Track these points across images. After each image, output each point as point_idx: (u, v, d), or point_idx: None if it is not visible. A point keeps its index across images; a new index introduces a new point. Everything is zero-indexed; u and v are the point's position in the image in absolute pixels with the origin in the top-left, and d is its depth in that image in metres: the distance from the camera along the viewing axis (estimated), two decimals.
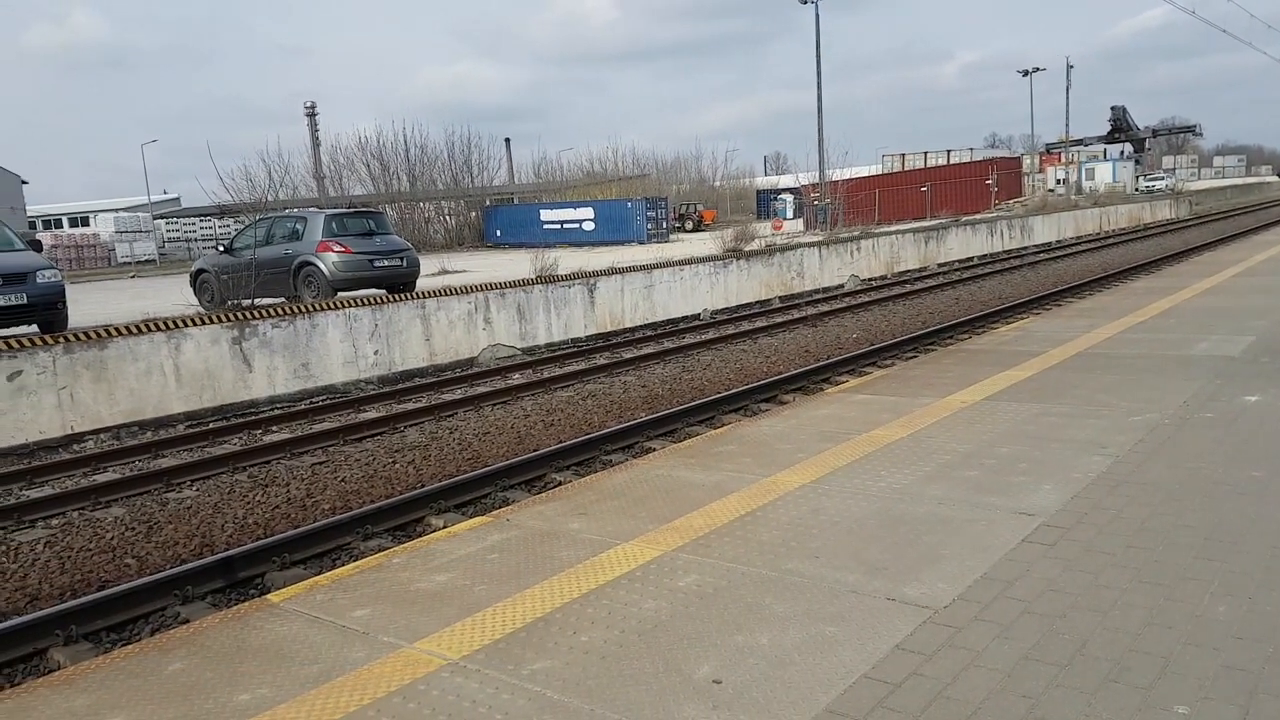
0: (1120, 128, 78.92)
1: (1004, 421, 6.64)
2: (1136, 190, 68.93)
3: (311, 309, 15.11)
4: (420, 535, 7.58)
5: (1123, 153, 79.85)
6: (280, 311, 14.76)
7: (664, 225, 44.22)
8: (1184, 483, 5.09)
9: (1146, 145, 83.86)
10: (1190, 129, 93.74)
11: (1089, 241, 38.93)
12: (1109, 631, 3.47)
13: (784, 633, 3.58)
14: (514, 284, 18.36)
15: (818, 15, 38.84)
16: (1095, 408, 6.89)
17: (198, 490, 9.48)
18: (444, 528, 7.24)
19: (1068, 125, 68.98)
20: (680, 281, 21.98)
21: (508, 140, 69.87)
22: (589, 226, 43.68)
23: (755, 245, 26.08)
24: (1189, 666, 3.19)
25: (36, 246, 14.89)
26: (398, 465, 9.83)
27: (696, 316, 22.00)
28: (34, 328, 13.46)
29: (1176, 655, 3.27)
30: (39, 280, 13.24)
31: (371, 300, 16.05)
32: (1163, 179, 78.36)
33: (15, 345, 11.94)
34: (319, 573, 6.91)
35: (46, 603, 6.80)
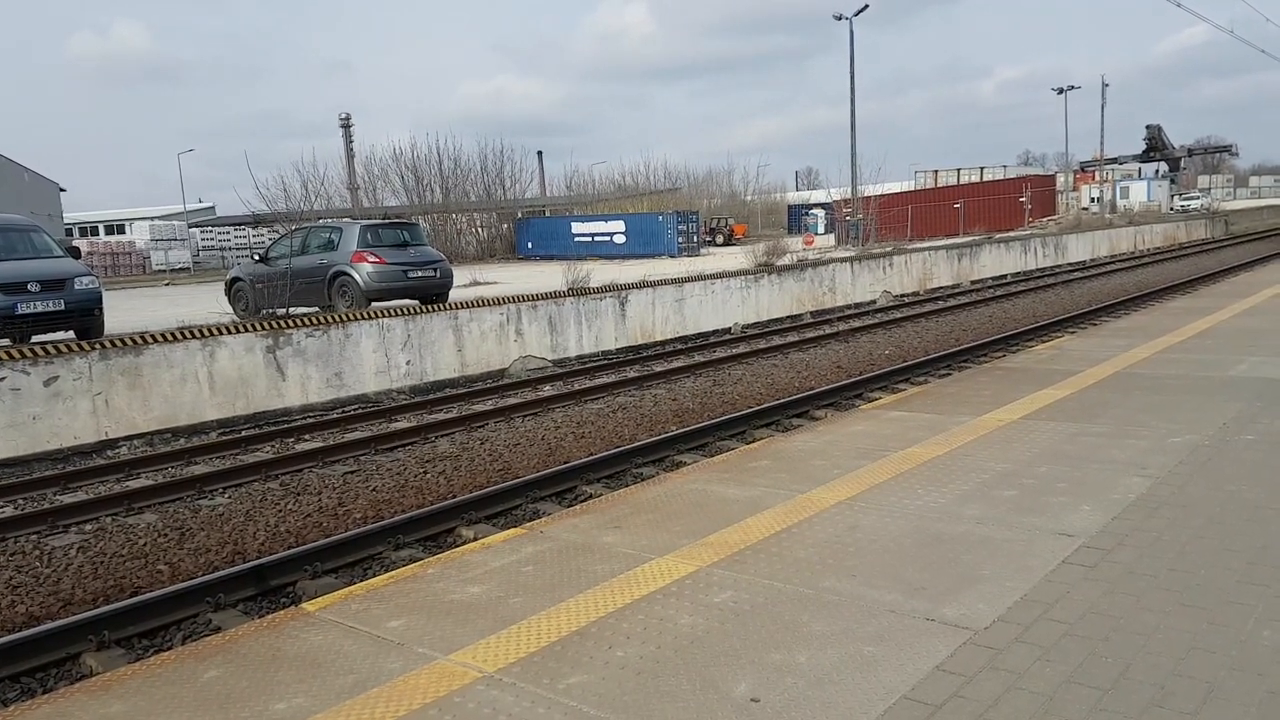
0: (1155, 146, 78.26)
1: (1042, 441, 6.56)
2: (1171, 209, 68.35)
3: (345, 319, 15.20)
4: (451, 546, 7.58)
5: (1158, 172, 79.19)
6: (314, 321, 14.86)
7: (695, 239, 44.28)
8: (1226, 505, 5.00)
9: (1182, 164, 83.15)
10: (1226, 148, 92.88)
11: (1124, 260, 38.58)
12: (1152, 656, 3.41)
13: (822, 651, 3.54)
14: (545, 296, 18.41)
15: (851, 32, 38.79)
16: (1134, 428, 6.80)
17: (230, 497, 9.55)
18: (476, 539, 7.27)
19: (1102, 143, 68.35)
20: (711, 295, 21.97)
21: (540, 153, 70.22)
22: (620, 239, 43.81)
23: (786, 260, 26.03)
24: (1233, 693, 3.13)
25: (75, 253, 15.07)
26: (429, 475, 9.85)
27: (727, 330, 21.96)
28: (71, 334, 13.61)
29: (1221, 681, 3.21)
30: (76, 287, 13.40)
31: (404, 311, 16.14)
32: (1198, 198, 77.70)
33: (52, 351, 12.09)
34: (350, 582, 6.93)
35: (79, 607, 6.85)
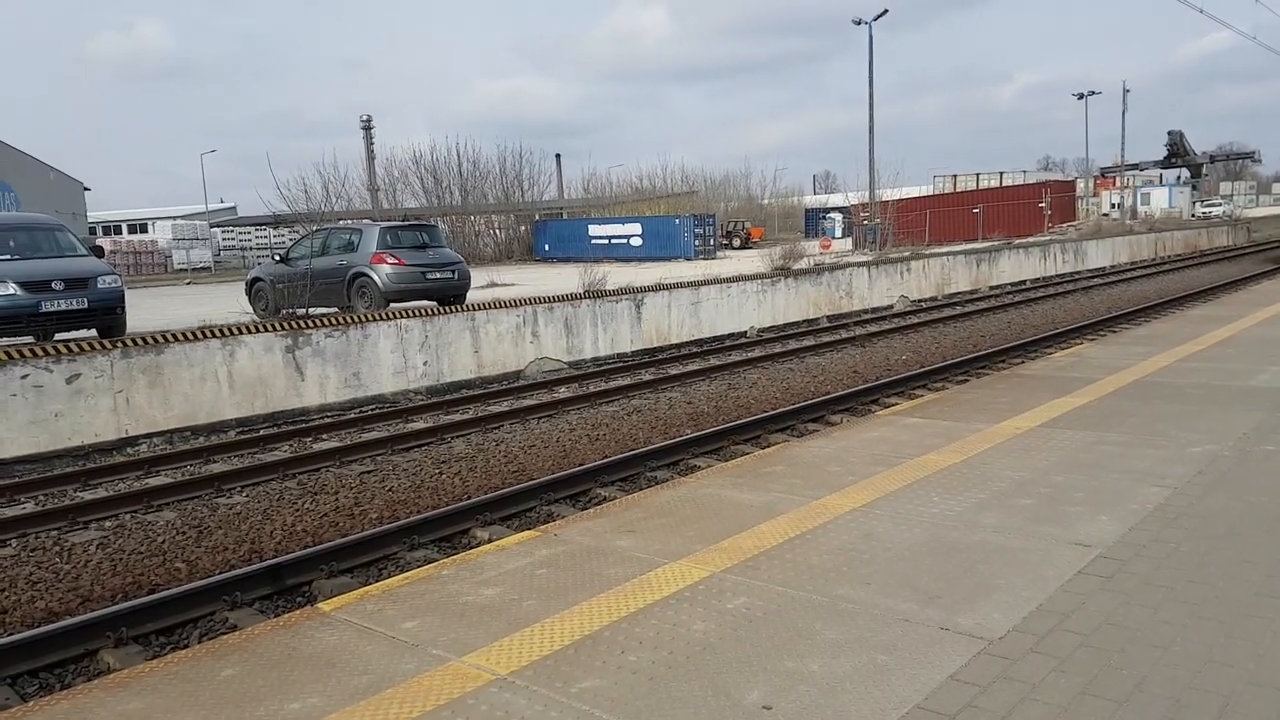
0: (1177, 152, 77.75)
1: (1059, 449, 6.53)
2: (1193, 216, 67.96)
3: (364, 319, 15.27)
4: (466, 547, 7.61)
5: (1179, 178, 78.79)
6: (333, 321, 14.94)
7: (711, 242, 44.32)
8: (1245, 517, 4.97)
9: (1204, 171, 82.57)
10: (1249, 155, 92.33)
11: (1144, 267, 38.36)
12: (1168, 668, 3.39)
13: (835, 660, 3.54)
14: (562, 298, 18.44)
15: (871, 37, 38.74)
16: (1153, 438, 6.76)
17: (247, 496, 9.60)
18: (490, 540, 7.29)
19: (1123, 149, 67.97)
20: (727, 299, 21.95)
21: (558, 156, 70.13)
22: (636, 242, 43.87)
23: (803, 264, 26.01)
24: (1250, 707, 3.11)
25: (98, 252, 15.18)
26: (444, 476, 9.88)
27: (743, 334, 21.94)
28: (93, 332, 13.72)
29: (1237, 695, 3.19)
30: (99, 285, 13.50)
31: (422, 312, 16.20)
32: (1220, 205, 77.20)
33: (75, 349, 12.19)
34: (366, 582, 6.96)
35: (98, 604, 6.90)
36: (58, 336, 13.19)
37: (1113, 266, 39.40)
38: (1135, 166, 77.37)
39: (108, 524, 8.86)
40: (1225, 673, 3.34)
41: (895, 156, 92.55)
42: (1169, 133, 78.09)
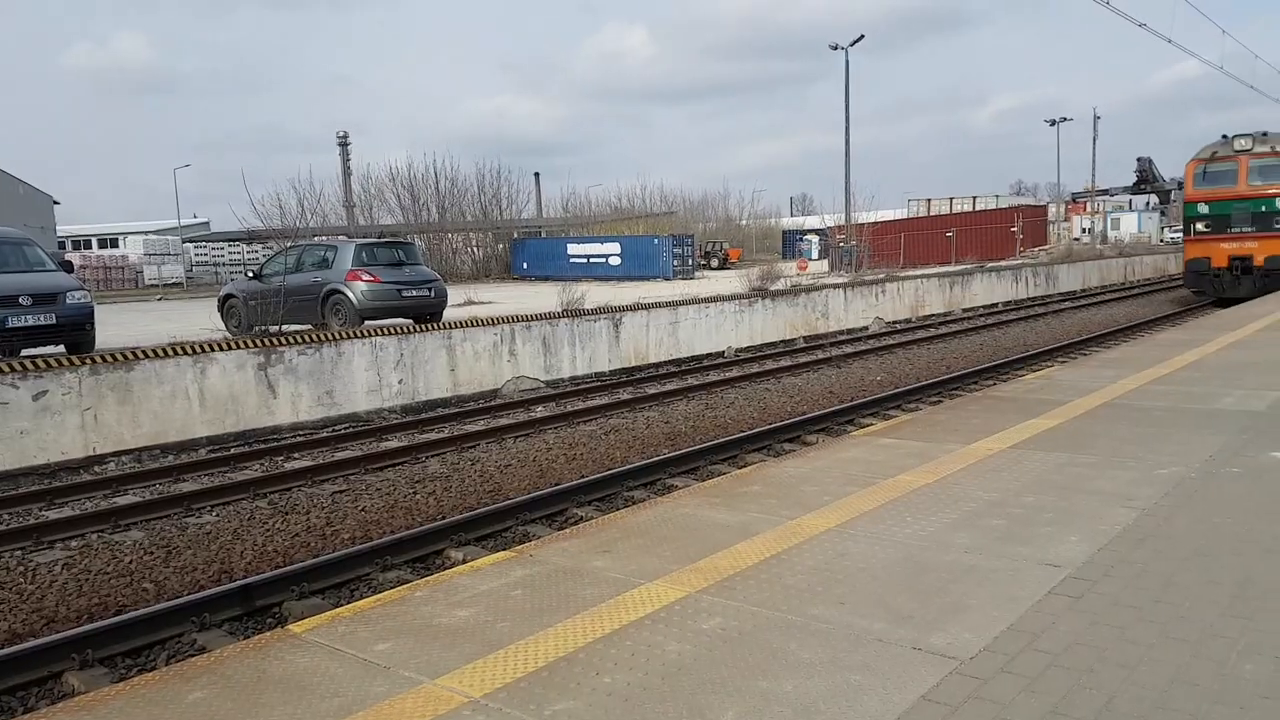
0: (1146, 179, 78.74)
1: (1030, 470, 6.58)
2: (1161, 241, 68.85)
3: (338, 337, 15.20)
4: (440, 568, 7.58)
5: (1148, 204, 79.78)
6: (307, 338, 14.86)
7: (690, 262, 44.52)
8: (1211, 538, 5.02)
9: (1172, 196, 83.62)
10: None
11: (1114, 291, 38.79)
12: (1136, 688, 3.42)
13: (809, 680, 3.54)
14: (540, 317, 18.43)
15: (847, 62, 39.13)
16: (1121, 459, 6.82)
17: (218, 516, 9.51)
18: (464, 561, 7.25)
19: (1094, 175, 68.98)
20: (705, 319, 22.01)
21: (537, 174, 70.44)
22: (615, 261, 43.97)
23: (780, 285, 26.13)
24: None
25: (67, 267, 15.06)
26: (418, 496, 9.84)
27: (721, 354, 21.99)
28: (61, 348, 13.58)
29: (1204, 713, 3.21)
30: (68, 301, 13.38)
31: (398, 329, 16.14)
32: None
33: (42, 365, 12.05)
34: (337, 603, 6.91)
35: (63, 625, 6.82)
36: (24, 352, 13.04)
37: (1083, 290, 39.79)
38: (1105, 192, 78.31)
39: (74, 544, 8.76)
40: (1192, 692, 3.37)
41: (872, 179, 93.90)
42: (1138, 159, 79.02)
